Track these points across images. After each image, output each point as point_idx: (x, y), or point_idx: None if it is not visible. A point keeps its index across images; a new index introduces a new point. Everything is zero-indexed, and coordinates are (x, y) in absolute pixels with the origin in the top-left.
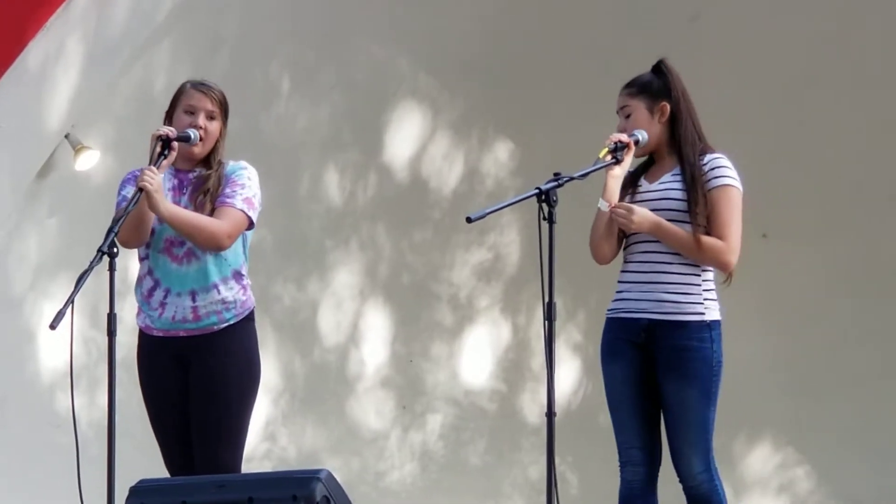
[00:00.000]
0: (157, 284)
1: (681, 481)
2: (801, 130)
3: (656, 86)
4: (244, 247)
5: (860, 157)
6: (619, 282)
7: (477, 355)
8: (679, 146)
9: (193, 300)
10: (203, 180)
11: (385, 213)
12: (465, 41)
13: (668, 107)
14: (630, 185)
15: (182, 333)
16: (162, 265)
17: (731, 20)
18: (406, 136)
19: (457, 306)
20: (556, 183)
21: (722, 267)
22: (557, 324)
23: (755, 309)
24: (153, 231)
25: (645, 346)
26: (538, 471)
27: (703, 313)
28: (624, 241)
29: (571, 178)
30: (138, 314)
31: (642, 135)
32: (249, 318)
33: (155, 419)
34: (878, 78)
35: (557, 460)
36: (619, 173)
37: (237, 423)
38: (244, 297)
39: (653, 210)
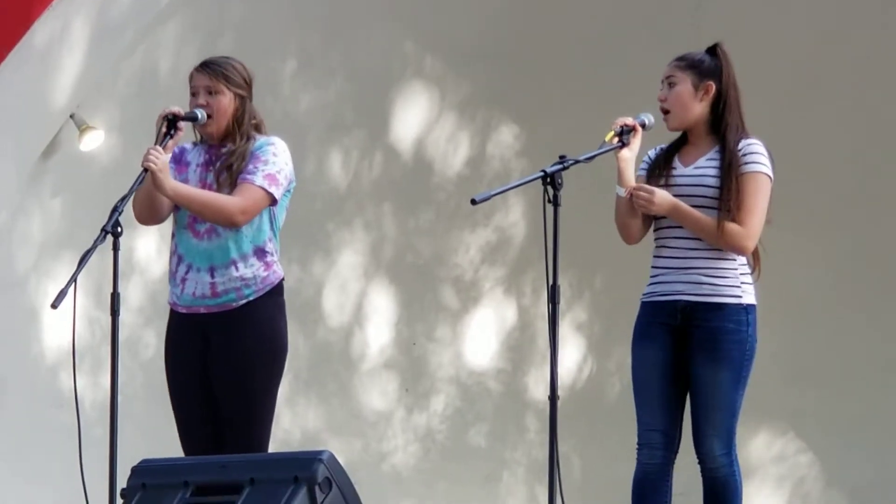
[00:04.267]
0: (180, 260)
1: (700, 462)
2: (804, 124)
3: (707, 65)
4: (271, 223)
5: (865, 150)
6: (654, 267)
7: (481, 336)
8: (724, 132)
9: (212, 276)
10: (229, 155)
11: (390, 194)
12: (470, 24)
13: (714, 87)
14: (664, 165)
15: (202, 310)
16: (185, 241)
17: (733, 13)
18: (411, 118)
19: (461, 287)
20: (561, 166)
21: (739, 251)
22: (562, 305)
23: (759, 299)
24: (177, 207)
25: (680, 328)
26: (542, 452)
27: (740, 296)
28: (653, 224)
29: (577, 161)
30: (170, 290)
31: (649, 118)
32: (272, 292)
33: (175, 395)
34: (882, 72)
35: (560, 441)
36: (629, 156)
37: (260, 398)
38: (265, 273)
39: (686, 195)
